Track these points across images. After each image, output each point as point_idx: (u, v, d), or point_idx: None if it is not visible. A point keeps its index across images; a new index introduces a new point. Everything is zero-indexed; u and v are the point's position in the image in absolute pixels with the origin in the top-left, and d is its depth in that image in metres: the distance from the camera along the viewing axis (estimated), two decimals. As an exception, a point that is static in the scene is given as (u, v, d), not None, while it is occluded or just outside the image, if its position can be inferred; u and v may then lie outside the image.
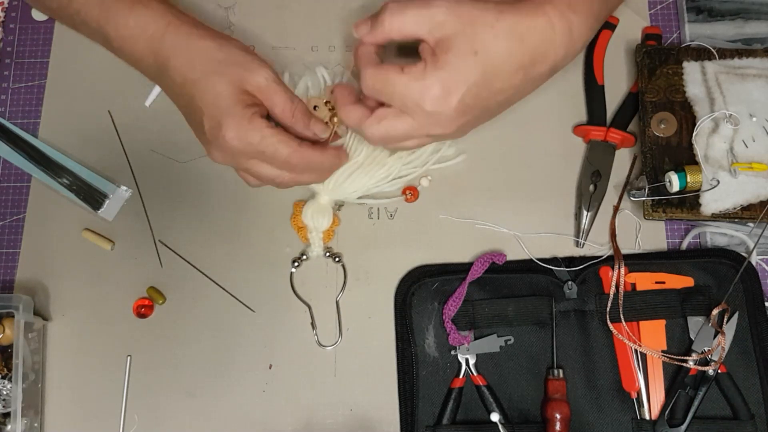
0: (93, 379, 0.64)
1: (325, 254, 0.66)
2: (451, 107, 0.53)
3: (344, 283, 0.66)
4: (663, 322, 0.62)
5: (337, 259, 0.66)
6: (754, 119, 0.63)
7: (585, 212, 0.66)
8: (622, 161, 0.68)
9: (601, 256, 0.64)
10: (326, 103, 0.63)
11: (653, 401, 0.61)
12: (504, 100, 0.56)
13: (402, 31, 0.54)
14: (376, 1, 0.73)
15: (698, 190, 0.62)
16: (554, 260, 0.65)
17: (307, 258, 0.66)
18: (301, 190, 0.67)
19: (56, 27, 0.73)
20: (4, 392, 0.60)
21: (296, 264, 0.66)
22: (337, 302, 0.65)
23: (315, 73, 0.69)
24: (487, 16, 0.52)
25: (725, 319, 0.61)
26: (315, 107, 0.63)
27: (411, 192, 0.67)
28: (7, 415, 0.60)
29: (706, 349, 0.61)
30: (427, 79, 0.52)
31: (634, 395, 0.61)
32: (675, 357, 0.60)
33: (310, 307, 0.65)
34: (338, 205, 0.67)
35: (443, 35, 0.52)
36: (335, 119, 0.61)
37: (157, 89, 0.70)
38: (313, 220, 0.64)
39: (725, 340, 0.61)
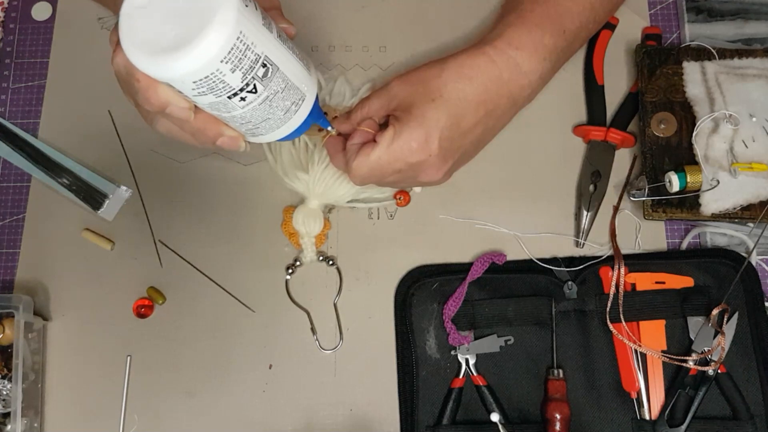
0: (93, 379, 0.64)
1: (319, 258, 0.66)
2: (434, 153, 0.56)
3: (340, 286, 0.66)
4: (663, 322, 0.62)
5: (331, 263, 0.66)
6: (754, 119, 0.63)
7: (585, 212, 0.66)
8: (622, 161, 0.68)
9: (601, 256, 0.64)
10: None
11: (653, 401, 0.61)
12: (476, 139, 0.58)
13: (368, 110, 0.58)
14: (375, 2, 0.73)
15: (698, 190, 0.62)
16: (554, 260, 0.65)
17: (301, 264, 0.66)
18: (289, 196, 0.67)
19: (56, 27, 0.73)
20: (4, 392, 0.60)
21: (290, 271, 0.66)
22: (335, 305, 0.65)
23: None
24: (433, 70, 0.57)
25: (725, 319, 0.61)
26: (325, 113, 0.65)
27: (402, 196, 0.67)
28: (7, 415, 0.60)
29: (706, 349, 0.61)
30: (402, 137, 0.55)
31: (634, 395, 0.61)
32: (675, 357, 0.60)
33: (308, 313, 0.65)
34: (328, 209, 0.67)
35: (400, 101, 0.57)
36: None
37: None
38: (304, 226, 0.64)
39: (725, 340, 0.61)
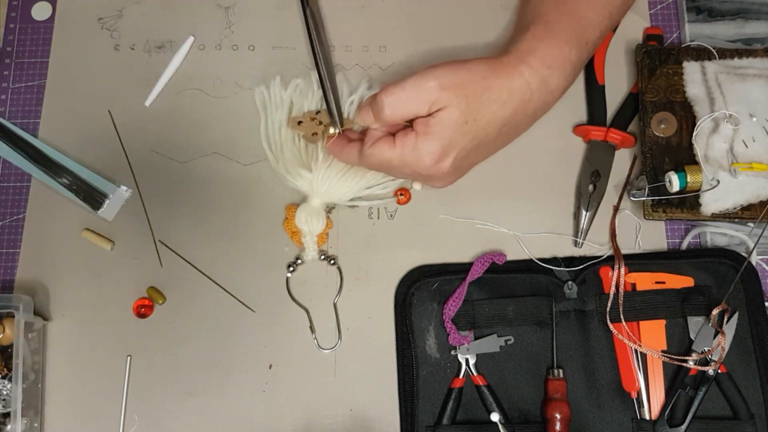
0: (93, 379, 0.64)
1: (320, 257, 0.66)
2: (444, 171, 0.57)
3: (341, 285, 0.66)
4: (663, 322, 0.62)
5: (332, 262, 0.66)
6: (754, 119, 0.63)
7: (584, 212, 0.66)
8: (622, 161, 0.68)
9: (601, 256, 0.64)
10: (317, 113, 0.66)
11: (653, 401, 0.61)
12: (490, 152, 0.61)
13: (403, 116, 0.57)
14: (375, 2, 0.73)
15: (698, 190, 0.62)
16: (554, 260, 0.65)
17: (302, 262, 0.66)
18: (288, 196, 0.67)
19: (56, 27, 0.73)
20: (4, 392, 0.60)
21: (291, 269, 0.66)
22: (334, 305, 0.65)
23: (309, 76, 0.69)
24: (475, 86, 0.56)
25: (725, 319, 0.61)
26: (318, 112, 0.66)
27: (403, 193, 0.67)
28: (7, 415, 0.60)
29: (706, 349, 0.61)
30: (418, 151, 0.56)
31: (634, 395, 0.61)
32: (675, 357, 0.60)
33: (308, 311, 0.65)
34: (329, 208, 0.67)
35: (437, 109, 0.56)
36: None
37: (157, 89, 0.70)
38: (307, 224, 0.64)
39: (725, 340, 0.61)
